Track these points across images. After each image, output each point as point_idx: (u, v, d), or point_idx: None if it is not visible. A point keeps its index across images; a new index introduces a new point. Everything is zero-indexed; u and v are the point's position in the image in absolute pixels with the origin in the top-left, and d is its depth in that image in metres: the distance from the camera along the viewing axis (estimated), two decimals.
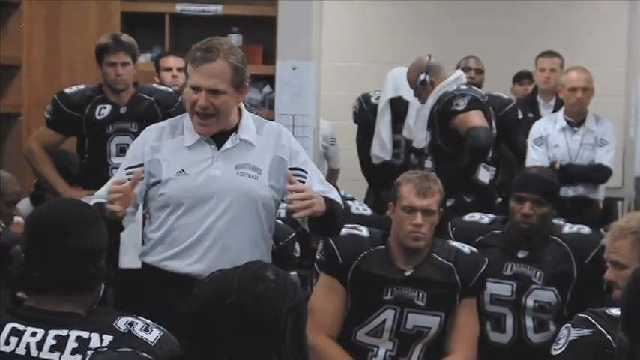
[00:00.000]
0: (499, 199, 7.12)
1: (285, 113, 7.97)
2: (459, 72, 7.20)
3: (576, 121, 7.41)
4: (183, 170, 4.09)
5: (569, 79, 7.47)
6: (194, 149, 4.13)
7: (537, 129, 7.52)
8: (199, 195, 4.00)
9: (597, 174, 7.26)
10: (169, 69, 7.47)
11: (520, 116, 7.68)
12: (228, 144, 4.16)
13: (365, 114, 8.23)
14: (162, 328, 3.01)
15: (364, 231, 4.94)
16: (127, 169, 4.20)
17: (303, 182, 4.25)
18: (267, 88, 8.42)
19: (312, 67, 8.14)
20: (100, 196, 4.22)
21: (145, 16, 8.55)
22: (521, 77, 9.61)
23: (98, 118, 6.20)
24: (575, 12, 10.87)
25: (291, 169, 4.23)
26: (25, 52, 8.02)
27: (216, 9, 8.32)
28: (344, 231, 4.84)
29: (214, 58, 4.07)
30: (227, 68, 4.07)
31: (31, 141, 6.67)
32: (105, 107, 6.24)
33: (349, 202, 6.49)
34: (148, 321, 3.01)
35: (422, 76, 6.99)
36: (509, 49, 10.23)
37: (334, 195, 4.34)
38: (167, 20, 8.40)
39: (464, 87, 6.95)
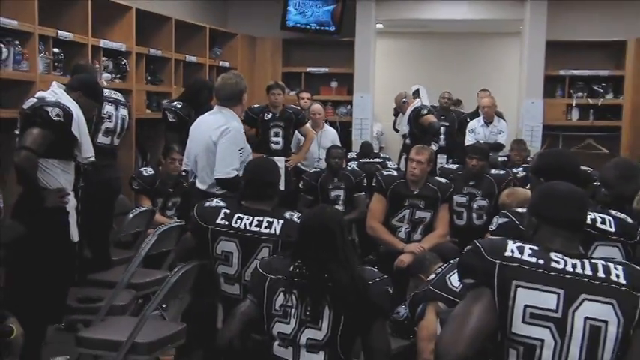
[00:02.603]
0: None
1: (358, 118, 8.36)
2: (417, 100, 7.14)
3: (488, 121, 7.41)
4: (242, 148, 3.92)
5: (482, 101, 7.57)
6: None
7: (471, 124, 7.48)
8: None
9: (497, 148, 7.14)
10: (303, 98, 7.19)
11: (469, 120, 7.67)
12: None
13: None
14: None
15: (395, 172, 5.05)
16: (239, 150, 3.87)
17: None
18: (349, 107, 8.57)
19: (370, 95, 8.43)
20: None
21: (293, 73, 8.62)
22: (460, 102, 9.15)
23: (265, 119, 6.09)
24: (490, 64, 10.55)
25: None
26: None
27: (326, 69, 8.60)
28: (385, 172, 5.03)
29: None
30: None
31: None
32: (269, 114, 6.10)
33: (387, 162, 6.90)
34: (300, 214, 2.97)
35: (403, 100, 7.12)
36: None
37: None
38: (303, 75, 8.61)
39: (423, 105, 7.03)
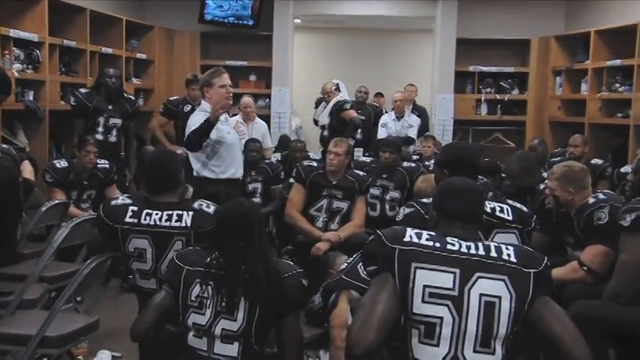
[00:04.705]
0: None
1: (276, 112, 8.24)
2: (341, 93, 7.15)
3: (400, 115, 7.32)
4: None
5: (395, 96, 7.44)
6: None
7: (382, 119, 7.38)
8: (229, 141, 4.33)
9: (408, 142, 7.10)
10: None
11: (385, 113, 7.58)
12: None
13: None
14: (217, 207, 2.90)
15: (315, 163, 5.06)
16: None
17: None
18: (268, 100, 8.42)
19: (288, 89, 8.35)
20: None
21: (212, 66, 7.66)
22: (379, 95, 9.63)
23: (185, 111, 5.95)
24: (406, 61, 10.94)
25: None
26: (156, 81, 7.84)
27: (244, 63, 8.43)
28: (306, 162, 5.03)
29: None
30: None
31: (153, 121, 6.63)
32: (188, 106, 6.02)
33: (310, 153, 6.69)
34: (210, 202, 2.92)
35: (333, 87, 7.12)
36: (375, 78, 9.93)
37: None
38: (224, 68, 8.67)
39: (346, 100, 7.10)
